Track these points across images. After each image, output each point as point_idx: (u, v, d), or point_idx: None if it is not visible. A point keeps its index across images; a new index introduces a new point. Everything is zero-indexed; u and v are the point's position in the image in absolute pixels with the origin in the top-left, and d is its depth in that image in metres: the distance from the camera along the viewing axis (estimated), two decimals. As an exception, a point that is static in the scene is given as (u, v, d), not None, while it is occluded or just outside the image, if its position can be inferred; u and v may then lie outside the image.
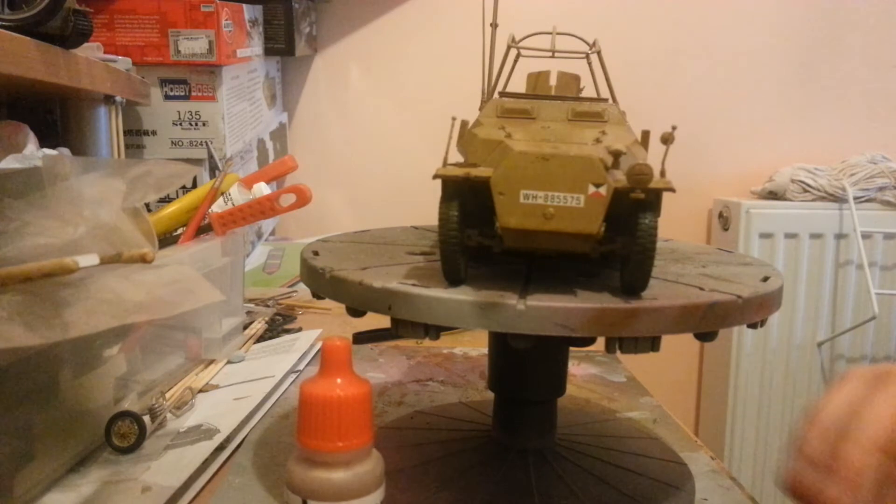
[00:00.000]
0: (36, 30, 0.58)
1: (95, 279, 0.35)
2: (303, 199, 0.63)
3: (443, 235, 0.34)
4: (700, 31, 1.31)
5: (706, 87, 1.33)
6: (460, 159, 0.39)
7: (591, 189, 0.32)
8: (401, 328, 0.35)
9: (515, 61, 0.42)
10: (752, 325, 0.36)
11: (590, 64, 0.42)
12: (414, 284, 0.34)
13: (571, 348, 0.46)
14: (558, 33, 0.42)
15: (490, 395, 0.45)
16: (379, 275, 0.36)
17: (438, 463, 0.43)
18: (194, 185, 0.90)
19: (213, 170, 0.93)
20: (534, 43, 0.41)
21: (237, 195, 0.65)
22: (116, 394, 0.49)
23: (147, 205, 0.59)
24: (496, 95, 0.42)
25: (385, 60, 1.33)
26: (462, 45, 1.30)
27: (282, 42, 1.18)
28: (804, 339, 1.31)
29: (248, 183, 0.67)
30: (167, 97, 0.92)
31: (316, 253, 0.42)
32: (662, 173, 0.33)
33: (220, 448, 0.47)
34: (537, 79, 0.43)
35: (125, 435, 0.46)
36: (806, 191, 1.29)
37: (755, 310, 0.35)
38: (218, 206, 0.64)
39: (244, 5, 1.02)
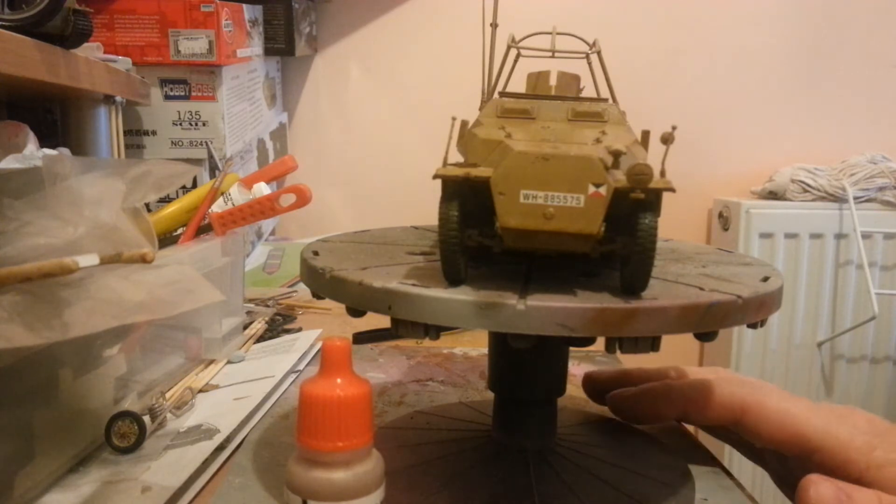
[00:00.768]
0: (36, 30, 0.58)
1: (95, 279, 0.35)
2: (303, 199, 0.63)
3: (443, 235, 0.34)
4: (700, 32, 1.31)
5: (706, 87, 1.33)
6: (460, 159, 0.39)
7: (591, 189, 0.32)
8: (401, 328, 0.35)
9: (515, 61, 0.42)
10: (753, 326, 0.36)
11: (590, 64, 0.42)
12: (414, 284, 0.34)
13: (571, 348, 0.46)
14: (558, 33, 0.42)
15: (490, 395, 0.45)
16: (379, 275, 0.36)
17: (438, 463, 0.43)
18: (194, 185, 0.90)
19: (213, 170, 0.94)
20: (534, 43, 0.41)
21: (237, 195, 0.65)
22: (116, 394, 0.49)
23: (147, 205, 0.59)
24: (496, 95, 0.42)
25: (385, 60, 1.33)
26: (462, 45, 1.30)
27: (282, 42, 1.18)
28: (804, 339, 1.31)
29: (248, 183, 0.67)
30: (167, 97, 0.92)
31: (316, 253, 0.42)
32: (662, 173, 0.33)
33: (220, 448, 0.47)
34: (537, 79, 0.43)
35: (125, 435, 0.46)
36: (806, 191, 1.29)
37: (755, 310, 0.35)
38: (218, 206, 0.64)
39: (244, 5, 1.02)
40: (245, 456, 0.46)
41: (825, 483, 0.35)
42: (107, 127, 0.80)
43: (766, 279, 0.38)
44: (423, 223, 0.54)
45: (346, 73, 1.34)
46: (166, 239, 0.62)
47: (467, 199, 0.34)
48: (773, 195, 1.32)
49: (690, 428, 0.50)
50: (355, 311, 0.36)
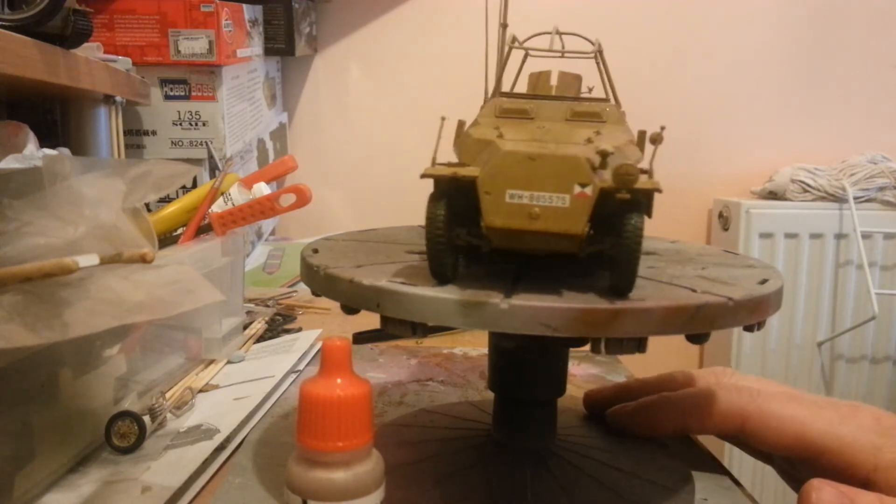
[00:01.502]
0: (36, 30, 0.58)
1: (95, 279, 0.35)
2: (303, 199, 0.63)
3: (429, 234, 0.34)
4: (700, 32, 1.31)
5: (706, 87, 1.33)
6: (454, 159, 0.38)
7: (577, 189, 0.32)
8: (389, 326, 0.35)
9: (523, 62, 0.42)
10: (749, 328, 0.36)
11: (598, 63, 0.42)
12: (403, 283, 0.34)
13: (571, 348, 0.46)
14: (562, 33, 0.42)
15: (490, 395, 0.45)
16: (372, 273, 0.36)
17: (437, 462, 0.43)
18: (194, 185, 0.90)
19: (213, 170, 0.94)
20: (536, 43, 0.41)
21: (237, 195, 0.65)
22: (116, 394, 0.49)
23: (147, 205, 0.60)
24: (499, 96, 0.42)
25: (385, 60, 1.33)
26: (462, 46, 1.30)
27: (282, 42, 1.18)
28: (804, 339, 1.31)
29: (248, 183, 0.67)
30: (167, 97, 0.92)
31: (315, 251, 0.42)
32: (650, 173, 0.33)
33: (220, 448, 0.47)
34: (538, 79, 0.43)
35: (125, 435, 0.46)
36: (806, 191, 1.29)
37: (747, 313, 0.34)
38: (218, 206, 0.64)
39: (244, 5, 1.02)
40: (245, 456, 0.46)
41: (827, 488, 0.34)
42: (107, 127, 0.80)
43: (764, 282, 0.37)
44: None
45: (346, 73, 1.34)
46: (166, 239, 0.62)
47: (455, 198, 0.34)
48: (773, 195, 1.32)
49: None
50: (348, 309, 0.36)
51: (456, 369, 0.64)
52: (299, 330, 0.74)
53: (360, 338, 0.65)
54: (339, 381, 0.30)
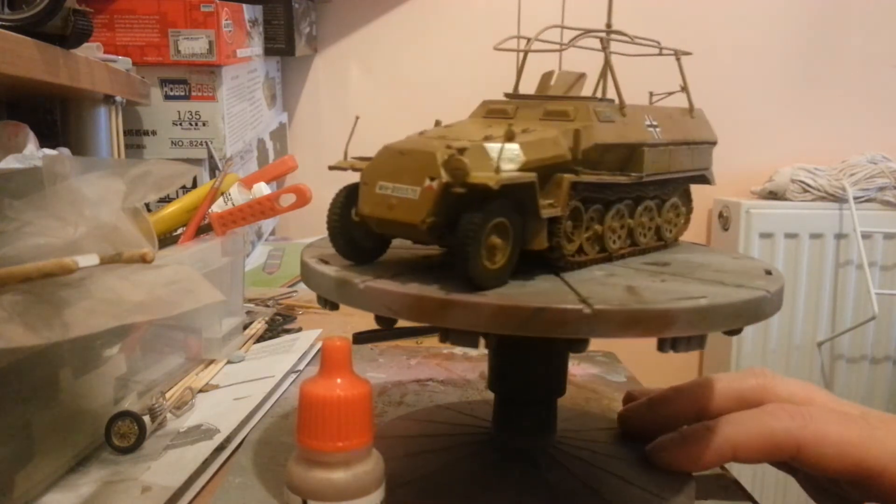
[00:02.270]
0: (36, 30, 0.58)
1: (95, 279, 0.35)
2: (303, 199, 0.63)
3: (327, 217, 0.38)
4: (700, 31, 1.31)
5: (706, 87, 1.33)
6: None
7: (427, 182, 0.33)
8: (318, 300, 0.39)
9: (523, 61, 0.42)
10: (731, 333, 0.35)
11: (607, 62, 0.43)
12: (318, 261, 0.38)
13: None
14: (571, 28, 0.42)
15: (490, 394, 0.45)
16: (329, 257, 0.40)
17: (436, 462, 0.43)
18: (194, 185, 0.90)
19: (213, 170, 0.94)
20: (545, 40, 0.42)
21: (237, 195, 0.65)
22: (116, 394, 0.49)
23: (147, 205, 0.60)
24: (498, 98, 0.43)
25: (385, 60, 1.33)
26: (462, 46, 1.30)
27: (282, 42, 1.18)
28: (804, 339, 1.31)
29: (248, 183, 0.67)
30: (167, 97, 0.92)
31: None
32: (498, 170, 0.33)
33: (220, 448, 0.47)
34: (543, 79, 0.44)
35: (125, 435, 0.46)
36: (806, 191, 1.29)
37: (615, 326, 0.32)
38: (218, 206, 0.64)
39: (244, 5, 1.02)
40: (245, 456, 0.46)
41: None
42: (107, 127, 0.80)
43: (696, 299, 0.34)
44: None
45: (346, 73, 1.34)
46: (166, 239, 0.62)
47: (356, 188, 0.38)
48: (773, 195, 1.32)
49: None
50: (322, 300, 0.39)
51: (456, 369, 0.64)
52: (299, 330, 0.74)
53: (360, 338, 0.65)
54: (339, 381, 0.30)
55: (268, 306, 0.83)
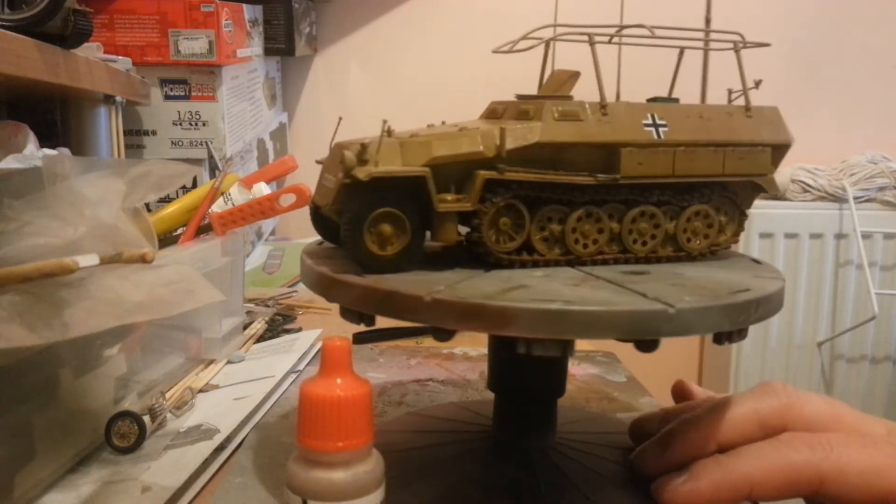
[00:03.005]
0: (36, 30, 0.58)
1: (95, 279, 0.35)
2: (303, 199, 0.63)
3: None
4: (700, 31, 1.31)
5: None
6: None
7: (340, 174, 0.36)
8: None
9: (545, 57, 0.43)
10: (644, 347, 0.34)
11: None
12: (311, 260, 0.40)
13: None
14: (556, 25, 0.42)
15: (490, 394, 0.45)
16: (326, 255, 0.42)
17: (436, 462, 0.43)
18: (194, 185, 0.90)
19: (213, 170, 0.93)
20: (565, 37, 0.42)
21: (237, 195, 0.65)
22: (116, 394, 0.49)
23: (147, 205, 0.59)
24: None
25: (385, 60, 1.33)
26: (462, 46, 1.30)
27: (282, 42, 1.18)
28: (804, 339, 1.31)
29: (248, 183, 0.67)
30: (167, 97, 0.92)
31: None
32: (363, 161, 0.36)
33: (220, 448, 0.47)
34: (547, 79, 0.44)
35: (125, 435, 0.46)
36: (806, 191, 1.29)
37: (454, 317, 0.33)
38: (218, 206, 0.64)
39: (244, 5, 1.02)
40: (245, 456, 0.46)
41: None
42: (107, 127, 0.80)
43: (551, 302, 0.33)
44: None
45: (346, 73, 1.34)
46: (166, 239, 0.62)
47: None
48: (773, 195, 1.32)
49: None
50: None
51: (456, 369, 0.64)
52: (299, 330, 0.74)
53: (360, 338, 0.65)
54: (339, 381, 0.30)
55: (268, 306, 0.83)
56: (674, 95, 0.45)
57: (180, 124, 0.93)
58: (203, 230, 0.63)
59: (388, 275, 0.37)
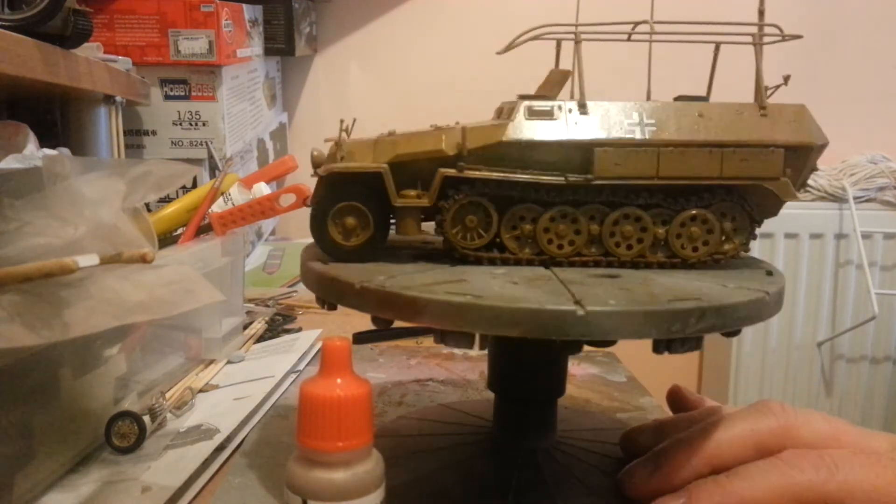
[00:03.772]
0: (36, 30, 0.58)
1: (95, 279, 0.35)
2: (303, 199, 0.63)
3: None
4: (700, 31, 1.31)
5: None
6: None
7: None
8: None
9: (558, 53, 0.44)
10: (603, 345, 0.34)
11: (577, 59, 0.43)
12: (308, 258, 0.41)
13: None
14: (551, 25, 0.42)
15: (490, 394, 0.45)
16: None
17: (436, 462, 0.43)
18: (194, 185, 0.90)
19: (213, 170, 0.93)
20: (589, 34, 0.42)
21: (237, 195, 0.65)
22: (116, 394, 0.49)
23: (147, 205, 0.59)
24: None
25: (385, 60, 1.33)
26: (462, 45, 1.30)
27: (282, 42, 1.17)
28: (804, 339, 1.31)
29: (248, 183, 0.67)
30: (167, 97, 0.92)
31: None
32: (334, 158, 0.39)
33: (220, 448, 0.47)
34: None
35: (125, 435, 0.46)
36: (806, 191, 1.29)
37: (374, 304, 0.35)
38: (218, 206, 0.64)
39: (244, 5, 1.02)
40: (245, 456, 0.46)
41: None
42: (107, 127, 0.80)
43: (466, 296, 0.33)
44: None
45: (346, 73, 1.34)
46: (166, 239, 0.62)
47: None
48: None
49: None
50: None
51: (456, 369, 0.64)
52: (299, 330, 0.74)
53: (360, 338, 0.65)
54: (339, 381, 0.30)
55: (268, 306, 0.83)
56: (715, 93, 0.44)
57: (180, 124, 0.93)
58: (203, 230, 0.63)
59: (350, 264, 0.40)
